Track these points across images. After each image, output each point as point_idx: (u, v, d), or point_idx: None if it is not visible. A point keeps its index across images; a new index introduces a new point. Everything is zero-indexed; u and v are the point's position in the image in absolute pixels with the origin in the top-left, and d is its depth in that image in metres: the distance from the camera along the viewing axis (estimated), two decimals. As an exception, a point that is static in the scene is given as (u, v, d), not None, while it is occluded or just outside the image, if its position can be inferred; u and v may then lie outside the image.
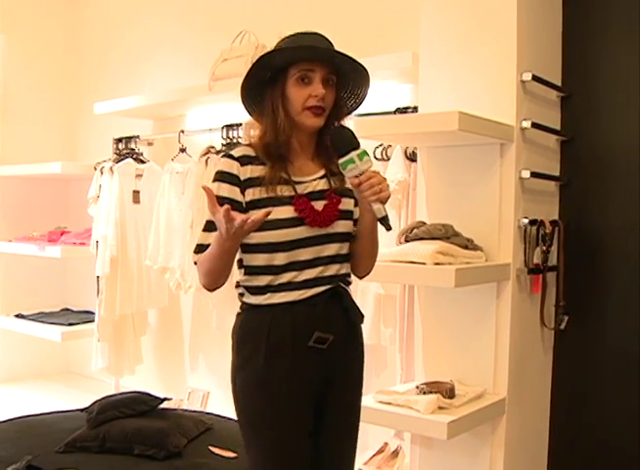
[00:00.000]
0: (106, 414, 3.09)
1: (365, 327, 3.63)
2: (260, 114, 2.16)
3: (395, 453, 3.84)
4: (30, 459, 2.68)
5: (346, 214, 2.18)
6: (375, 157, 3.69)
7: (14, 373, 5.56)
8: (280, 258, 2.09)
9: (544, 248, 3.21)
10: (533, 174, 3.10)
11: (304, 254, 2.10)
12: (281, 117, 2.10)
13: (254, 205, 2.09)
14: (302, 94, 2.09)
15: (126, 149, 4.76)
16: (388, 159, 3.58)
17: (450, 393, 2.97)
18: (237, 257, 2.15)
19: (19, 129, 5.45)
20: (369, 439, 4.05)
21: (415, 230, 3.02)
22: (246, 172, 2.10)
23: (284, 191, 2.09)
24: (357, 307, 2.26)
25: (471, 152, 3.12)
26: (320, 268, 2.12)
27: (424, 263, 2.82)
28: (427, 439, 3.26)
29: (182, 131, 4.45)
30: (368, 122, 3.12)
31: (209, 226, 2.09)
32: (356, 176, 2.03)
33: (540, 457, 3.52)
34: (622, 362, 3.31)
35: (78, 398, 4.77)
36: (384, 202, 2.03)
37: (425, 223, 3.07)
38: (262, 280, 2.12)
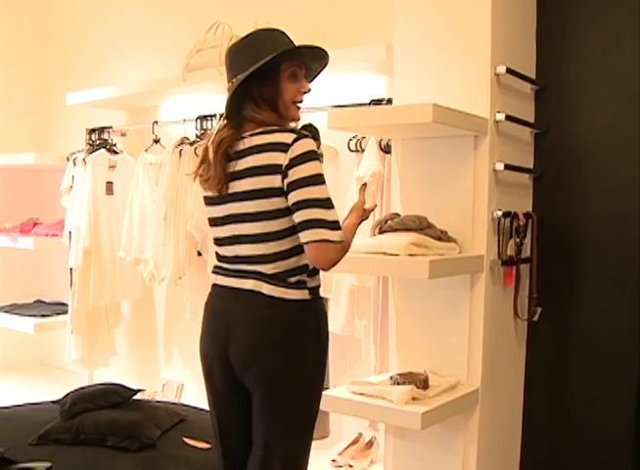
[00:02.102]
0: (79, 406, 3.07)
1: (339, 319, 3.67)
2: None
3: (370, 444, 3.86)
4: (3, 452, 2.66)
5: None
6: (349, 148, 3.70)
7: (-15, 365, 5.52)
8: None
9: (518, 240, 3.23)
10: (507, 167, 3.11)
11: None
12: (281, 108, 2.28)
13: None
14: (293, 89, 2.27)
15: (99, 140, 4.73)
16: (363, 150, 3.59)
17: (424, 383, 2.98)
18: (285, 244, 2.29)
19: (-10, 119, 5.40)
20: (343, 429, 4.07)
21: (389, 222, 3.02)
22: None
23: None
24: None
25: (445, 144, 3.13)
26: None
27: (397, 255, 2.82)
28: (401, 429, 3.27)
29: (156, 122, 4.42)
30: (342, 114, 3.12)
31: (331, 203, 2.24)
32: None
33: (513, 448, 3.54)
34: (594, 354, 3.34)
35: (51, 390, 4.74)
36: None
37: (399, 215, 3.07)
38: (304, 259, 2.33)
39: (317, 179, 2.18)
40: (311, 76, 2.42)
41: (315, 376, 2.38)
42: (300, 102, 2.30)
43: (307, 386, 2.36)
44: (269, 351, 2.25)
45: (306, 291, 2.32)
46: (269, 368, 2.26)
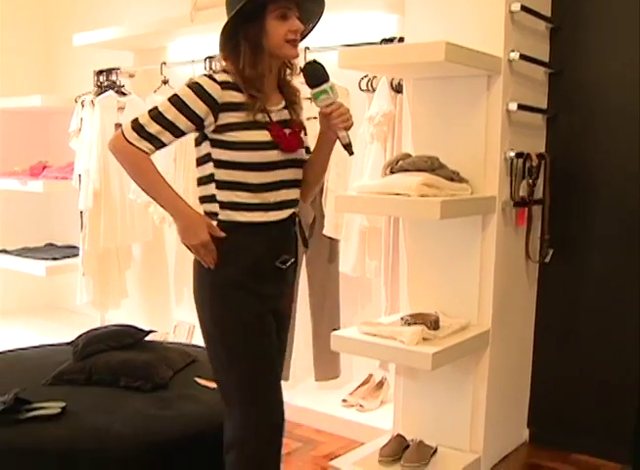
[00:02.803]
0: (92, 347, 3.09)
1: (350, 260, 3.67)
2: (235, 49, 2.23)
3: (380, 384, 3.89)
4: (18, 392, 2.68)
5: (304, 143, 2.36)
6: (360, 88, 3.65)
7: (-1, 308, 5.58)
8: (255, 178, 2.22)
9: (530, 181, 3.21)
10: (520, 107, 3.07)
11: (275, 176, 2.24)
12: (262, 51, 2.21)
13: (233, 127, 2.19)
14: (283, 29, 2.21)
15: (107, 81, 4.67)
16: (374, 90, 3.54)
17: (435, 324, 2.99)
18: (206, 172, 2.25)
19: (-3, 62, 5.35)
20: (354, 370, 4.10)
21: (400, 162, 2.99)
22: (226, 97, 2.20)
23: (260, 117, 2.22)
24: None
25: (457, 84, 3.08)
26: (286, 191, 2.29)
27: (409, 195, 2.81)
28: (411, 370, 3.29)
29: (164, 63, 4.37)
30: (353, 53, 3.07)
31: (161, 120, 2.16)
32: (328, 105, 2.22)
33: (523, 389, 3.57)
34: (605, 295, 3.34)
35: (64, 332, 4.78)
36: (348, 129, 2.24)
37: (410, 155, 3.05)
38: (239, 197, 2.23)
39: (170, 96, 2.20)
40: (312, 17, 2.35)
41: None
42: (294, 40, 2.23)
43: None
44: None
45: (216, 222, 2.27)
46: None
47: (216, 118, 2.18)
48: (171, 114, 2.17)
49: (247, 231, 2.24)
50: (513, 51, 3.01)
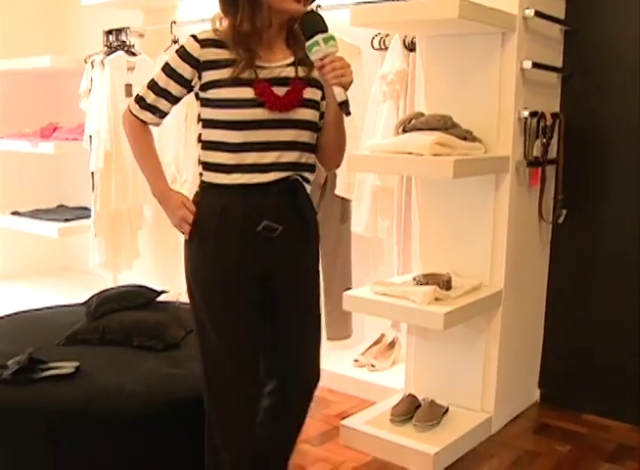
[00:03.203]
0: (104, 307, 3.10)
1: (362, 220, 3.65)
2: (234, 3, 2.14)
3: (392, 344, 3.90)
4: (32, 352, 2.70)
5: (310, 103, 2.18)
6: (372, 46, 3.61)
7: (12, 270, 5.59)
8: (235, 137, 2.11)
9: (544, 140, 3.18)
10: (535, 65, 3.03)
11: (259, 136, 2.11)
12: (261, 5, 2.10)
13: (215, 85, 2.12)
14: None
15: (117, 41, 4.63)
16: (386, 48, 3.50)
17: (447, 284, 2.99)
18: (197, 133, 2.22)
19: (4, 22, 5.30)
20: (365, 330, 4.11)
21: (413, 121, 2.97)
22: (207, 55, 2.13)
23: (245, 74, 2.11)
24: (312, 204, 2.27)
25: (471, 41, 3.05)
26: (276, 153, 2.13)
27: (422, 154, 2.79)
28: (423, 329, 3.30)
29: (174, 22, 4.32)
30: (365, 10, 3.03)
31: (156, 88, 2.19)
32: (320, 59, 2.05)
33: (535, 349, 3.57)
34: (619, 256, 3.32)
35: (77, 293, 4.80)
36: (345, 87, 2.05)
37: (423, 114, 3.02)
38: (219, 157, 2.14)
39: (162, 65, 2.20)
40: None
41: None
42: None
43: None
44: None
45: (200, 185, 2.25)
46: None
47: (200, 77, 2.14)
48: (163, 81, 2.18)
49: (223, 194, 2.15)
50: (528, 8, 2.96)
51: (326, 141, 2.24)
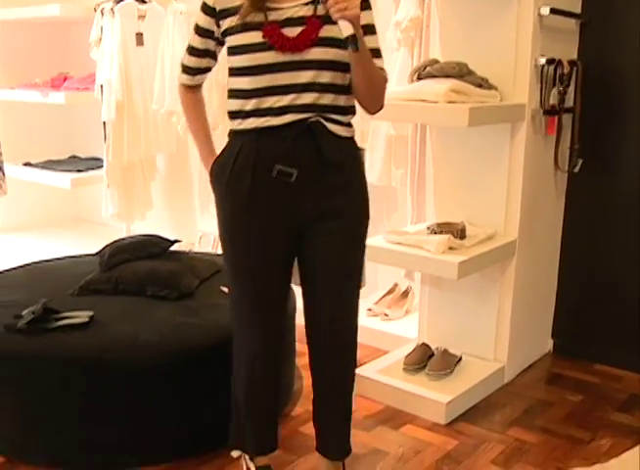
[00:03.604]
0: (117, 257, 3.10)
1: (376, 169, 3.63)
2: None
3: (405, 294, 3.90)
4: (46, 302, 2.71)
5: (329, 41, 2.07)
6: (387, -7, 3.54)
7: (25, 221, 5.61)
8: (248, 83, 2.10)
9: (561, 88, 3.13)
10: (553, 11, 2.97)
11: (273, 80, 2.07)
12: None
13: (228, 33, 2.12)
14: None
15: (127, -12, 4.57)
16: (401, -5, 3.44)
17: (461, 233, 2.97)
18: None
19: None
20: (379, 279, 4.11)
21: (428, 68, 2.93)
22: (222, 3, 2.12)
23: (255, 18, 2.07)
24: (346, 148, 2.19)
25: (487, -15, 2.99)
26: (292, 96, 2.07)
27: (436, 102, 2.75)
28: (437, 279, 3.29)
29: (185, -32, 4.26)
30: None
31: (190, 50, 2.25)
32: None
33: (548, 300, 3.56)
34: (634, 206, 3.29)
35: (89, 244, 4.82)
36: (350, 21, 1.94)
37: (438, 61, 2.98)
38: (236, 105, 2.14)
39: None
40: None
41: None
42: None
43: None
44: None
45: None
46: None
47: (219, 26, 2.14)
48: (194, 40, 2.23)
49: (241, 139, 2.14)
50: (546, -49, 2.90)
51: (353, 81, 2.13)
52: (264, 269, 2.23)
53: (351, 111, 2.20)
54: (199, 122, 2.33)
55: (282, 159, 2.10)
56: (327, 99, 2.10)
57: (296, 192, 2.13)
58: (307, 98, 2.08)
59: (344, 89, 2.13)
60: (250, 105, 2.10)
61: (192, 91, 2.31)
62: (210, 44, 2.20)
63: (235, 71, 2.12)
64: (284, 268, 2.26)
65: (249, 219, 2.18)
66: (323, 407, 2.40)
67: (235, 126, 2.16)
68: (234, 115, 2.15)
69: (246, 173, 2.13)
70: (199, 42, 2.21)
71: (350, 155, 2.22)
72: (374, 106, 2.23)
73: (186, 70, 2.27)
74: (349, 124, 2.20)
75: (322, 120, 2.10)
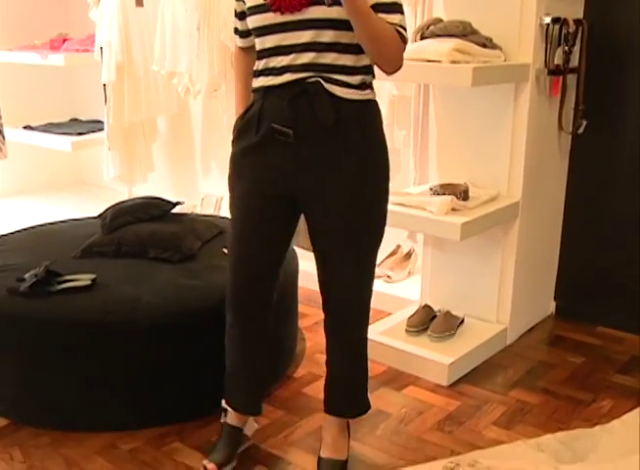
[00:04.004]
0: (119, 220, 3.09)
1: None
2: None
3: (408, 255, 3.89)
4: (49, 265, 2.71)
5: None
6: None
7: (26, 185, 5.59)
8: (259, 44, 2.13)
9: (566, 48, 3.10)
10: (558, -32, 2.93)
11: (275, 40, 2.07)
12: None
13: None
14: None
15: (126, -53, 4.50)
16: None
17: (464, 195, 2.96)
18: None
19: None
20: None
21: (431, 27, 2.89)
22: None
23: None
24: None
25: (492, -58, 2.94)
26: (292, 56, 2.05)
27: (440, 61, 2.72)
28: (439, 240, 3.29)
29: None
30: None
31: (236, 14, 2.27)
32: None
33: (551, 262, 3.56)
34: (639, 168, 3.26)
35: (91, 207, 4.80)
36: None
37: (442, 20, 2.94)
38: (255, 65, 2.19)
39: None
40: None
41: None
42: None
43: None
44: None
45: None
46: None
47: None
48: (235, 3, 2.26)
49: (254, 99, 2.17)
50: None
51: (360, 40, 2.03)
52: (255, 232, 2.23)
53: (363, 71, 2.12)
54: (240, 82, 2.38)
55: (279, 118, 2.09)
56: (328, 58, 2.05)
57: (296, 154, 2.11)
58: (306, 57, 2.05)
59: (352, 48, 2.07)
60: (261, 65, 2.13)
61: (244, 52, 2.34)
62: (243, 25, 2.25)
63: (247, 34, 2.23)
64: (277, 233, 2.25)
65: (249, 174, 2.19)
66: (336, 371, 2.40)
67: (252, 85, 2.19)
68: (254, 74, 2.18)
69: (251, 130, 2.15)
70: (240, 6, 2.22)
71: (357, 118, 2.12)
72: (386, 65, 2.10)
73: (240, 33, 2.30)
74: (360, 86, 2.12)
75: (321, 81, 2.06)
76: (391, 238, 3.94)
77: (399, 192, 3.08)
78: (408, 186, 3.50)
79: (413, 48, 2.84)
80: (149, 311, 2.56)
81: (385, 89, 3.51)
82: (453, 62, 2.71)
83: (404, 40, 2.07)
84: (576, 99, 3.25)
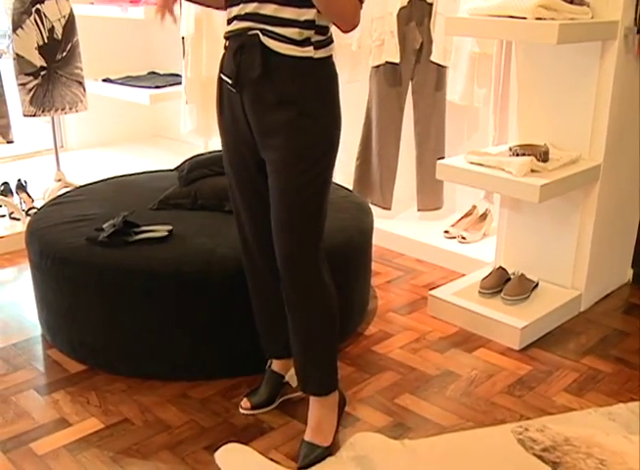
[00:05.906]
0: (196, 172, 3.11)
1: (458, 87, 3.54)
2: None
3: (483, 216, 3.84)
4: (126, 215, 2.75)
5: None
6: None
7: (105, 137, 5.69)
8: None
9: (657, 5, 2.98)
10: None
11: None
12: None
13: None
14: None
15: None
16: None
17: (544, 156, 2.89)
18: None
19: None
20: (457, 201, 4.06)
21: (516, -18, 2.81)
22: None
23: None
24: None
25: None
26: (241, 5, 2.03)
27: (524, 18, 2.65)
28: (517, 202, 3.23)
29: None
30: None
31: None
32: None
33: (630, 229, 3.47)
34: None
35: (169, 159, 4.87)
36: None
37: (527, -25, 2.85)
38: None
39: None
40: None
41: None
42: None
43: None
44: None
45: None
46: None
47: None
48: None
49: None
50: None
51: None
52: (239, 183, 2.27)
53: (306, 26, 2.00)
54: None
55: (226, 69, 2.10)
56: (268, 9, 1.98)
57: (243, 104, 2.10)
58: (249, 7, 2.01)
59: (295, 1, 1.97)
60: (227, 14, 2.10)
61: None
62: None
63: None
64: (256, 180, 2.23)
65: (222, 126, 2.26)
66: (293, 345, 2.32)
67: None
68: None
69: (225, 88, 2.15)
70: None
71: (290, 72, 2.03)
72: (340, 22, 1.99)
73: None
74: (302, 43, 2.01)
75: (260, 34, 2.00)
76: (467, 198, 3.91)
77: (478, 151, 3.03)
78: (487, 146, 3.45)
79: (497, 4, 2.76)
80: (223, 263, 2.59)
81: (466, 46, 3.44)
82: (538, 18, 2.63)
83: None
84: (666, 58, 3.14)
